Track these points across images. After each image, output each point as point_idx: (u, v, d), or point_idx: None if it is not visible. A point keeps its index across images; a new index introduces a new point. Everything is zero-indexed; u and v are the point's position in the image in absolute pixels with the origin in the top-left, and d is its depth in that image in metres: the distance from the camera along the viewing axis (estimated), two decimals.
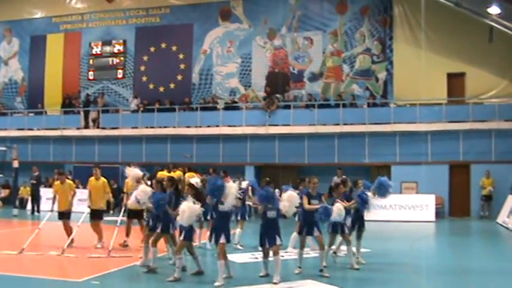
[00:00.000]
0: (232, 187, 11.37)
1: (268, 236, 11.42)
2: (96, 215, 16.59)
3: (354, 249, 13.64)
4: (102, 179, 16.94)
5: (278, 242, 11.42)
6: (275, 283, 11.06)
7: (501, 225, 23.33)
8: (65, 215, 16.31)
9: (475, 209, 27.01)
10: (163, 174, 22.35)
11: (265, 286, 10.94)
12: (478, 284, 11.59)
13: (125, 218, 16.50)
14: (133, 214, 16.22)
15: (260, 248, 11.92)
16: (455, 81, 29.18)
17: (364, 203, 13.72)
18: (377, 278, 12.34)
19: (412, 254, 16.14)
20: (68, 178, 18.02)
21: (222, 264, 11.22)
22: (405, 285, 11.68)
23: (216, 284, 10.91)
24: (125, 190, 17.04)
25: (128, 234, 16.33)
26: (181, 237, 11.57)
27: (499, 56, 27.99)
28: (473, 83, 28.76)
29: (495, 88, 28.48)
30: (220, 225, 11.41)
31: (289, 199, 11.66)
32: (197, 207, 11.33)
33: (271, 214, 11.56)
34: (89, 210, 16.68)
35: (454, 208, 27.29)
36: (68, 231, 16.16)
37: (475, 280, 12.01)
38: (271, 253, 11.62)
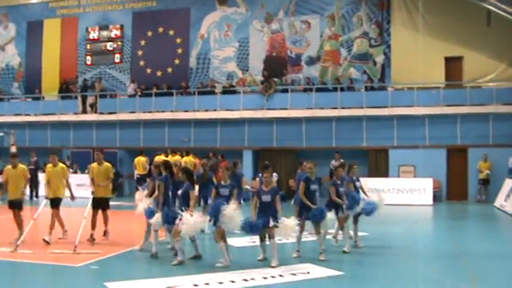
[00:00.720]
0: (234, 214, 11.29)
1: (262, 218, 11.44)
2: (15, 205, 14.29)
3: (351, 232, 13.73)
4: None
5: (271, 223, 11.40)
6: (273, 267, 11.11)
7: (498, 208, 23.42)
8: (15, 205, 14.31)
9: (472, 192, 27.08)
10: (161, 158, 22.39)
11: (264, 270, 10.97)
12: (475, 268, 11.62)
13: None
14: (98, 203, 14.54)
15: None
16: (453, 65, 29.16)
17: (355, 203, 13.72)
18: (374, 262, 12.37)
19: (409, 238, 16.22)
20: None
21: (222, 246, 11.29)
22: (402, 269, 11.71)
23: (219, 265, 11.03)
24: (90, 176, 14.94)
25: (93, 227, 14.42)
26: (177, 221, 11.52)
27: (497, 39, 27.97)
28: (471, 66, 28.73)
29: (493, 72, 28.47)
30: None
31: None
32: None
33: (265, 198, 11.61)
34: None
35: (452, 192, 27.38)
36: (19, 223, 14.19)
37: (472, 264, 12.04)
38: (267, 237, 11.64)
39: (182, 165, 17.52)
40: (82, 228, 13.34)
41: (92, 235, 14.28)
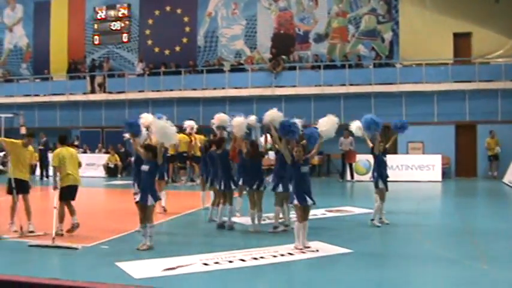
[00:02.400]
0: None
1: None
2: (23, 188, 12.83)
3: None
4: (31, 147, 13.24)
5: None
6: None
7: (507, 185, 23.41)
8: (23, 187, 12.88)
9: (481, 169, 27.09)
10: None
11: (273, 248, 10.99)
12: (484, 245, 11.65)
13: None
14: (68, 193, 12.65)
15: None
16: (461, 41, 29.03)
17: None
18: (383, 239, 12.45)
19: (418, 215, 16.22)
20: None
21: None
22: (411, 246, 11.74)
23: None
24: (53, 164, 12.89)
25: (61, 219, 12.41)
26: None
27: (506, 15, 27.84)
28: (479, 42, 28.60)
29: (501, 48, 28.35)
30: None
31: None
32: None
33: (304, 169, 11.36)
34: None
35: (461, 168, 27.37)
36: (27, 208, 12.78)
37: (481, 241, 12.06)
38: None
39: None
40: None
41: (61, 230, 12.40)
